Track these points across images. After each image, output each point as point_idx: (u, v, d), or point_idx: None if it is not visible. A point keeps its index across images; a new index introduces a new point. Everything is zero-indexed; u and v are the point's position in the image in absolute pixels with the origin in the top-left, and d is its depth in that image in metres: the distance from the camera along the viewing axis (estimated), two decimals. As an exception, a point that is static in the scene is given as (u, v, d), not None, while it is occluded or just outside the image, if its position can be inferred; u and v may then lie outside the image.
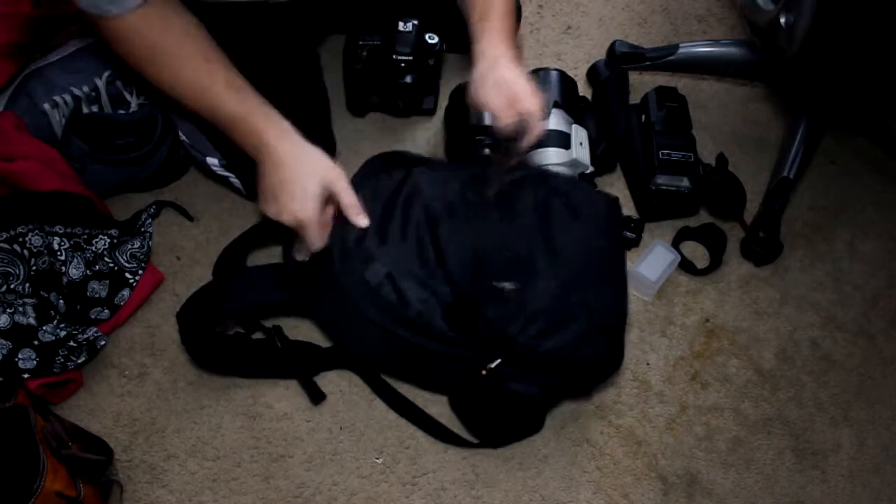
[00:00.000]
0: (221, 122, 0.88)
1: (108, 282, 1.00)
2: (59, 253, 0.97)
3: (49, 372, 0.92)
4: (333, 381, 1.00)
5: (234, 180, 1.06)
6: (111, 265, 1.01)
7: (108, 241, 1.02)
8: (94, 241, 1.01)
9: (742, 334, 1.08)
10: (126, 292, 1.01)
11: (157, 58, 0.85)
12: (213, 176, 1.08)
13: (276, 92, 1.02)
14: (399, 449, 0.97)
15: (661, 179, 1.11)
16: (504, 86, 0.88)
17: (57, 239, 0.98)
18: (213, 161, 1.04)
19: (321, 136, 1.09)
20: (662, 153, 1.11)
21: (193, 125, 1.02)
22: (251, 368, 0.99)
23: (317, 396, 0.98)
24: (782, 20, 0.99)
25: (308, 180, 0.85)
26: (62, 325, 0.94)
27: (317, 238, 0.87)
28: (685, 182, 1.11)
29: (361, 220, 0.88)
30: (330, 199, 0.87)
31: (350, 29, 1.15)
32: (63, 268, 0.97)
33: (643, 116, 1.17)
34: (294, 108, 1.04)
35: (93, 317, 0.99)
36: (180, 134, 1.05)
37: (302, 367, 0.99)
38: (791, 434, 1.02)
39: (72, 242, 0.99)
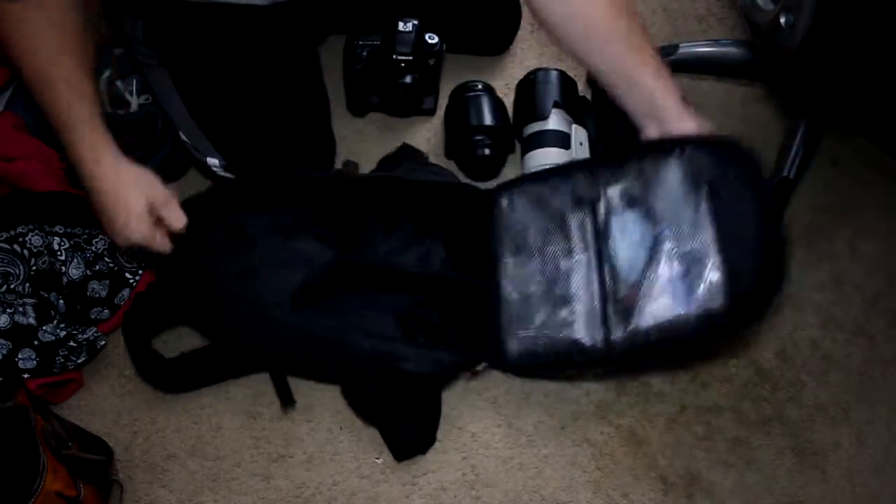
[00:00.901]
0: (52, 123, 0.84)
1: (107, 282, 1.00)
2: (59, 253, 0.97)
3: (49, 372, 0.92)
4: (333, 381, 1.00)
5: None
6: (111, 265, 1.01)
7: (108, 241, 1.02)
8: (93, 242, 1.01)
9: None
10: (126, 292, 1.01)
11: (19, 41, 0.81)
12: (213, 177, 1.08)
13: (275, 92, 1.02)
14: (399, 449, 0.97)
15: None
16: None
17: (57, 239, 0.98)
18: (213, 162, 1.04)
19: (321, 136, 1.09)
20: None
21: (195, 126, 1.02)
22: (215, 375, 0.99)
23: (287, 401, 0.97)
24: (782, 20, 0.99)
25: (131, 200, 0.84)
26: (62, 325, 0.94)
27: (162, 249, 0.87)
28: None
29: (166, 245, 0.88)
30: (158, 219, 0.87)
31: (350, 29, 1.15)
32: (63, 268, 0.97)
33: (643, 116, 1.16)
34: (294, 108, 1.04)
35: (93, 317, 0.99)
36: (181, 134, 1.05)
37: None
38: (791, 434, 1.01)
39: (72, 242, 0.99)
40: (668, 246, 0.88)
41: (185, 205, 0.90)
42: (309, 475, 0.95)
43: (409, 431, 0.95)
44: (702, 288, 0.85)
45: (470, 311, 0.98)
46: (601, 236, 0.94)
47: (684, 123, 0.87)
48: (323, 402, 0.99)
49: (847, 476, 0.99)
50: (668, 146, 0.89)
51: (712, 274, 0.85)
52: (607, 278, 0.92)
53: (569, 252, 0.96)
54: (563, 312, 0.94)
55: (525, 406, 1.01)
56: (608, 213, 0.94)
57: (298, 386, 0.99)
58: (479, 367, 0.98)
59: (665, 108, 0.87)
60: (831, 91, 1.08)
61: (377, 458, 0.96)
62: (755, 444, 1.01)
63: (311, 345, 0.94)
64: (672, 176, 0.89)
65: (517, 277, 0.98)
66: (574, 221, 0.96)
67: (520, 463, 0.97)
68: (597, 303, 0.92)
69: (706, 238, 0.86)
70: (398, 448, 0.95)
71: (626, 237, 0.92)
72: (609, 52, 0.87)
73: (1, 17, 0.81)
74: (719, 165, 0.87)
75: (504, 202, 1.02)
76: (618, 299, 0.91)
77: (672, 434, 1.00)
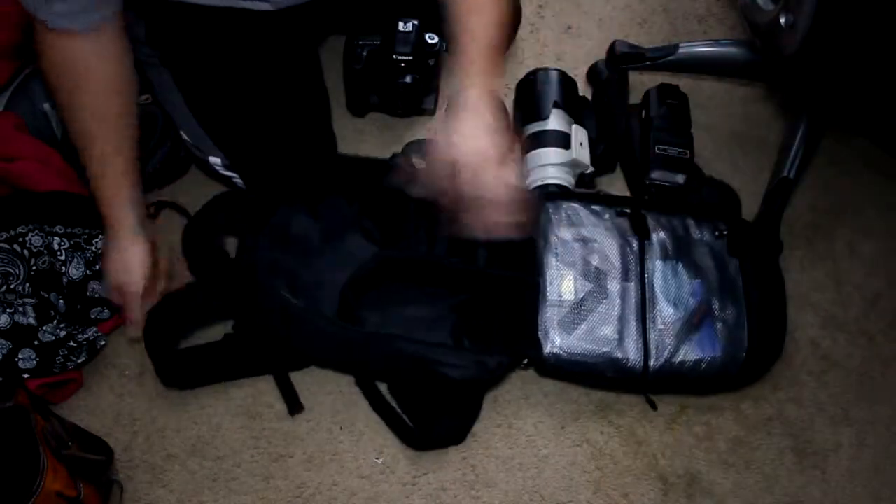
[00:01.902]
0: (88, 174, 0.91)
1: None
2: (59, 253, 0.97)
3: (49, 372, 0.92)
4: (333, 381, 1.00)
5: (237, 180, 1.06)
6: None
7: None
8: (93, 242, 1.01)
9: (742, 334, 1.08)
10: None
11: (75, 86, 0.85)
12: (215, 175, 1.08)
13: (276, 91, 1.02)
14: (399, 449, 0.97)
15: (655, 174, 1.10)
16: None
17: (57, 239, 0.98)
18: (215, 160, 1.04)
19: (321, 135, 1.09)
20: (658, 148, 1.11)
21: (196, 124, 1.02)
22: (223, 373, 0.99)
23: (294, 406, 0.98)
24: (782, 20, 0.99)
25: (133, 268, 0.94)
26: (62, 325, 0.94)
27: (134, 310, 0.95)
28: (680, 178, 1.10)
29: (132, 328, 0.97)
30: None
31: (350, 29, 1.15)
32: (63, 268, 0.97)
33: (643, 112, 1.17)
34: (294, 107, 1.04)
35: (93, 317, 0.99)
36: (182, 133, 1.05)
37: (271, 365, 0.99)
38: (791, 434, 1.02)
39: (72, 242, 0.99)
40: (703, 298, 1.02)
41: (235, 200, 1.00)
42: (309, 475, 0.95)
43: (443, 428, 0.96)
44: (728, 338, 1.00)
45: (512, 307, 0.99)
46: (645, 272, 1.02)
47: (450, 146, 0.82)
48: (323, 402, 0.99)
49: (847, 476, 0.99)
50: (716, 221, 1.07)
51: (738, 328, 1.00)
52: (649, 310, 1.00)
53: (614, 276, 1.02)
54: (607, 330, 0.99)
55: (525, 406, 1.01)
56: (653, 255, 1.03)
57: (299, 387, 0.99)
58: (524, 363, 0.98)
59: (450, 127, 0.83)
60: (831, 91, 1.08)
61: (377, 458, 0.96)
62: (755, 444, 1.01)
63: (354, 348, 0.94)
64: (713, 244, 1.06)
65: (560, 283, 1.01)
66: (619, 250, 1.03)
67: (520, 463, 0.97)
68: (640, 329, 0.99)
69: (734, 300, 1.02)
70: (425, 441, 0.96)
71: (667, 280, 1.03)
72: (456, 39, 0.84)
73: (53, 52, 0.83)
74: (752, 247, 1.05)
75: (551, 210, 1.05)
76: (657, 331, 0.99)
77: (672, 434, 1.00)
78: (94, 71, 0.85)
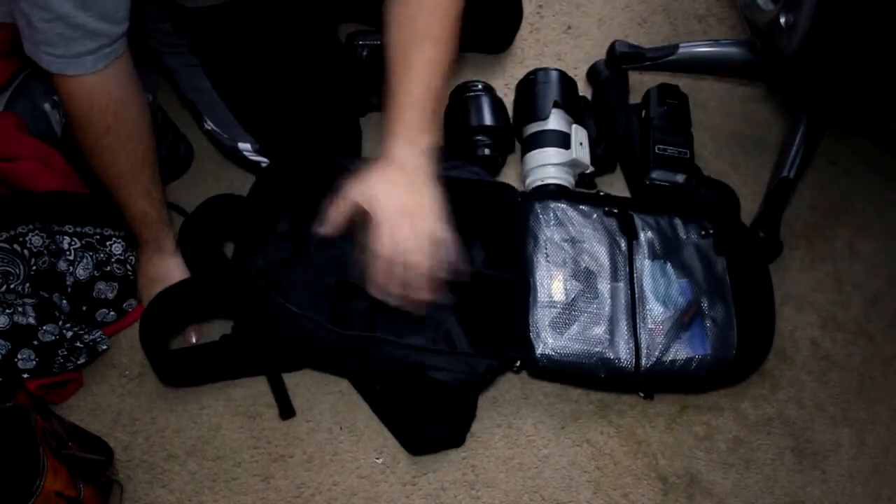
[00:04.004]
0: (122, 211, 0.95)
1: (116, 284, 1.00)
2: (67, 252, 0.97)
3: (48, 372, 0.92)
4: (333, 381, 1.00)
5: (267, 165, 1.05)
6: (128, 271, 1.01)
7: (124, 245, 1.01)
8: (107, 243, 1.00)
9: (742, 334, 1.08)
10: (135, 301, 1.02)
11: (107, 128, 0.85)
12: (243, 162, 1.07)
13: (304, 73, 1.01)
14: (399, 449, 0.97)
15: (655, 174, 1.11)
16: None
17: (67, 238, 0.97)
18: (244, 146, 1.03)
19: (347, 126, 1.08)
20: (658, 148, 1.11)
21: (225, 110, 1.01)
22: (218, 372, 0.99)
23: (287, 412, 0.97)
24: (782, 20, 0.99)
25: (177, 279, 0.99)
26: (68, 325, 0.94)
27: None
28: (680, 178, 1.10)
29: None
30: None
31: (354, 18, 1.14)
32: (71, 268, 0.97)
33: (643, 112, 1.17)
34: (322, 86, 1.03)
35: (99, 319, 0.99)
36: (206, 123, 1.04)
37: (266, 366, 0.99)
38: (791, 434, 1.02)
39: (83, 242, 0.99)
40: (692, 297, 1.01)
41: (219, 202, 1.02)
42: (309, 475, 0.95)
43: (437, 431, 0.96)
44: (718, 337, 0.99)
45: (503, 309, 0.99)
46: (634, 272, 1.02)
47: (380, 172, 0.82)
48: (323, 403, 0.99)
49: (847, 476, 0.99)
50: (702, 220, 1.07)
51: (727, 326, 1.00)
52: (638, 309, 1.00)
53: (604, 276, 1.02)
54: (599, 330, 0.98)
55: (525, 406, 1.01)
56: (642, 254, 1.03)
57: (299, 387, 0.99)
58: (516, 366, 0.98)
59: (384, 151, 0.85)
60: (831, 91, 1.08)
61: (377, 458, 0.96)
62: (755, 444, 1.01)
63: (344, 353, 0.94)
64: (699, 243, 1.06)
65: (550, 284, 1.00)
66: (608, 250, 1.03)
67: (520, 463, 0.97)
68: (631, 329, 0.98)
69: (723, 298, 1.02)
70: (419, 444, 0.96)
71: (656, 280, 1.02)
72: (395, 75, 0.85)
73: (73, 96, 0.82)
74: (738, 246, 1.05)
75: (539, 210, 1.05)
76: (648, 330, 0.98)
77: (672, 434, 1.00)
78: (121, 103, 0.84)
